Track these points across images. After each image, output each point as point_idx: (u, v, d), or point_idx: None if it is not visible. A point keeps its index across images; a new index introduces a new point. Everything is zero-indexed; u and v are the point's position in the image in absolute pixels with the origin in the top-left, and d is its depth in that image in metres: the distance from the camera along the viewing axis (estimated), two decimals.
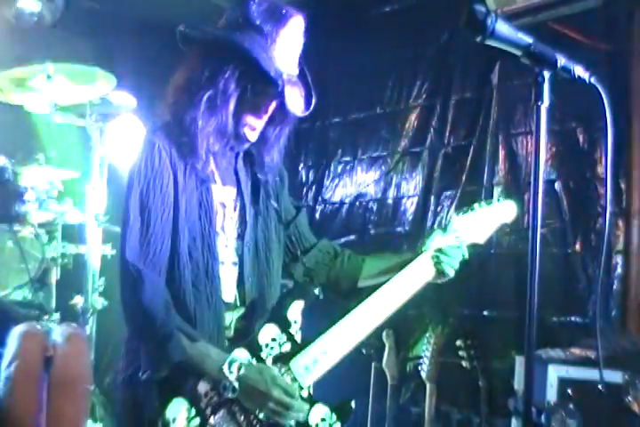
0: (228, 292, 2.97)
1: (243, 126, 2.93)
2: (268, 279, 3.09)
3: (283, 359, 2.86)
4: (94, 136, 5.47)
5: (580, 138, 5.12)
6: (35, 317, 5.14)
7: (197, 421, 2.67)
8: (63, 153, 6.02)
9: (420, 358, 5.14)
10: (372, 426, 5.23)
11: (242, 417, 2.75)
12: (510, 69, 5.43)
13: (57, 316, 5.28)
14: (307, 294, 3.03)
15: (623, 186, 4.90)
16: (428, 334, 5.10)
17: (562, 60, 2.26)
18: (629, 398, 3.79)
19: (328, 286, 3.28)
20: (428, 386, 5.00)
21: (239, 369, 2.72)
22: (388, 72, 6.25)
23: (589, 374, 3.96)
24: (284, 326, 2.90)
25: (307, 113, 3.00)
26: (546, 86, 2.25)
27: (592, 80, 2.28)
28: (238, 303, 2.99)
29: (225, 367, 2.71)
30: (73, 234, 5.62)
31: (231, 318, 2.98)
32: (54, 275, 5.51)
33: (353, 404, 2.96)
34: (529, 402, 2.27)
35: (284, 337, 2.89)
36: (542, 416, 2.28)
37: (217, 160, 3.00)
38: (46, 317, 5.20)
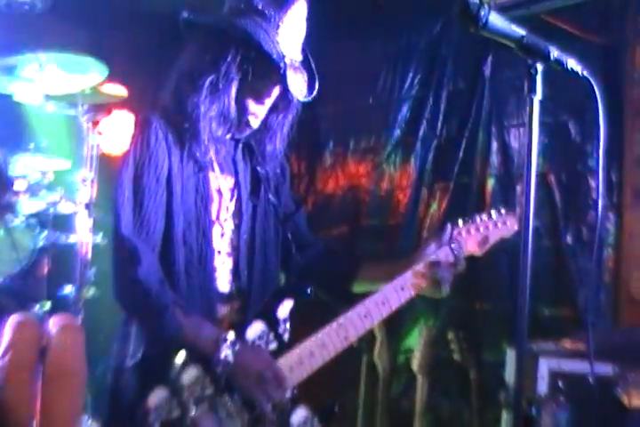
0: (224, 282, 2.96)
1: (245, 112, 2.93)
2: (265, 274, 3.08)
3: None
4: (85, 126, 5.46)
5: (573, 130, 5.12)
6: (26, 306, 5.13)
7: (178, 412, 2.64)
8: (54, 142, 6.00)
9: (411, 350, 5.15)
10: (362, 418, 5.24)
11: (224, 413, 2.72)
12: (503, 61, 5.42)
13: (48, 305, 5.27)
14: (298, 292, 2.97)
15: (615, 179, 4.90)
16: (419, 327, 5.11)
17: (555, 53, 2.25)
18: (619, 390, 3.79)
19: (320, 288, 3.19)
20: (418, 378, 5.02)
21: (234, 345, 2.70)
22: (380, 63, 6.24)
23: (580, 366, 3.96)
24: (273, 324, 2.88)
25: (309, 98, 2.99)
26: (539, 78, 2.25)
27: (585, 73, 2.28)
28: (235, 295, 2.98)
29: (221, 340, 2.70)
30: (64, 224, 5.60)
31: (226, 309, 2.96)
32: (45, 265, 5.49)
33: (337, 408, 2.94)
34: (520, 394, 2.27)
35: (272, 336, 2.87)
36: (533, 409, 2.29)
37: (217, 148, 2.99)
38: (37, 306, 5.19)
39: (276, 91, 2.94)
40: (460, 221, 3.15)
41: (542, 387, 4.09)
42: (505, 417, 4.31)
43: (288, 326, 2.92)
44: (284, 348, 2.87)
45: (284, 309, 2.91)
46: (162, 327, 2.71)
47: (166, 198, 2.84)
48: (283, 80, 2.86)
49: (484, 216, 3.20)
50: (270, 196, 3.13)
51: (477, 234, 3.17)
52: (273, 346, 2.87)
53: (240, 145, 3.10)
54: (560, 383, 4.04)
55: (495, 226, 3.21)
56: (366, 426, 5.24)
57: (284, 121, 3.08)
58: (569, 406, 3.95)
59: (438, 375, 5.18)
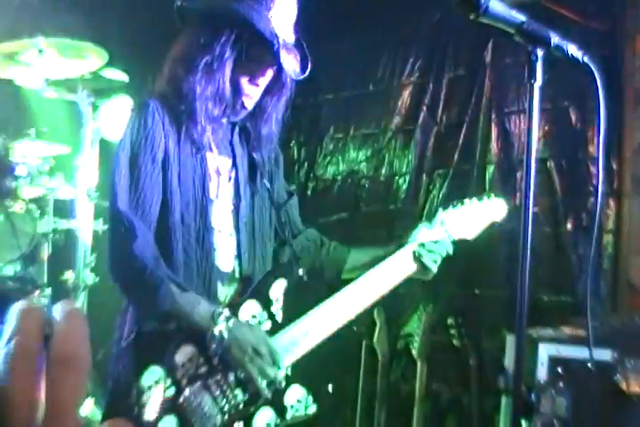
0: (226, 261, 2.97)
1: (239, 93, 2.95)
2: (264, 259, 3.10)
3: None
4: (85, 111, 5.45)
5: (573, 117, 5.11)
6: (27, 292, 5.14)
7: (172, 391, 2.65)
8: (54, 128, 6.00)
9: (411, 335, 5.16)
10: (362, 404, 5.26)
11: (217, 391, 2.73)
12: (503, 48, 5.41)
13: (48, 291, 5.28)
14: (291, 274, 3.00)
15: (615, 166, 4.89)
16: (419, 312, 5.12)
17: (555, 39, 2.25)
18: (618, 376, 3.80)
19: (312, 275, 3.22)
20: (418, 364, 5.03)
21: (228, 320, 2.72)
22: (380, 49, 6.22)
23: (579, 352, 3.97)
24: (266, 303, 2.90)
25: (302, 77, 3.00)
26: (539, 65, 2.25)
27: (585, 59, 2.28)
28: (237, 275, 3.00)
29: (216, 315, 2.71)
30: (64, 209, 5.61)
31: (227, 291, 2.97)
32: (45, 250, 5.50)
33: (330, 388, 2.96)
34: (519, 380, 2.28)
35: (265, 315, 2.89)
36: (532, 394, 2.29)
37: (214, 129, 3.00)
38: (38, 292, 5.20)
39: (269, 72, 2.96)
40: (451, 206, 3.20)
41: (542, 373, 4.10)
42: (504, 403, 4.32)
43: (281, 305, 2.94)
44: (277, 327, 2.89)
45: (277, 288, 2.93)
46: (156, 302, 2.72)
47: (163, 179, 2.86)
48: (276, 58, 2.88)
49: (474, 201, 3.25)
50: (265, 182, 3.14)
51: (468, 218, 3.21)
52: (266, 325, 2.89)
53: (236, 128, 3.11)
54: (559, 369, 4.04)
55: (485, 210, 3.26)
56: (366, 411, 5.26)
57: (278, 104, 3.09)
58: (568, 392, 3.96)
59: (438, 361, 5.19)
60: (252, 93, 2.97)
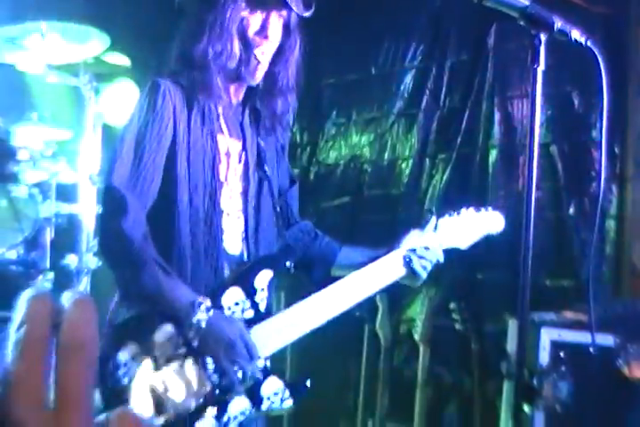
0: (234, 244, 2.97)
1: (250, 46, 2.92)
2: (270, 244, 3.09)
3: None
4: (88, 96, 5.45)
5: (576, 101, 5.11)
6: (29, 276, 5.14)
7: (148, 369, 2.65)
8: (57, 112, 6.00)
9: (414, 320, 5.16)
10: (364, 388, 5.27)
11: (192, 374, 2.72)
12: (507, 32, 5.39)
13: (51, 275, 5.28)
14: (278, 265, 2.97)
15: (618, 150, 4.89)
16: (421, 297, 5.12)
17: (558, 23, 2.25)
18: (620, 361, 3.81)
19: (301, 268, 3.21)
20: (421, 348, 5.03)
21: (208, 311, 2.70)
22: (383, 33, 6.21)
23: (581, 337, 3.97)
24: (250, 292, 2.88)
25: (308, 13, 2.98)
26: (542, 49, 2.24)
27: (588, 43, 2.27)
28: (245, 257, 2.99)
29: (196, 304, 2.69)
30: (67, 194, 5.61)
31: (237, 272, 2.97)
32: (48, 235, 5.50)
33: (308, 383, 2.94)
34: (521, 365, 2.28)
35: (248, 303, 2.87)
36: (534, 379, 2.30)
37: (224, 111, 3.00)
38: (40, 276, 5.20)
39: (275, 18, 2.94)
40: (447, 214, 3.16)
41: (543, 357, 4.10)
42: (506, 387, 4.33)
43: (266, 295, 2.92)
44: (260, 317, 2.87)
45: (263, 278, 2.91)
46: (139, 282, 2.73)
47: (171, 161, 2.86)
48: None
49: (472, 211, 3.21)
50: (267, 168, 3.13)
51: (462, 228, 3.17)
52: (249, 314, 2.87)
53: (247, 111, 3.09)
54: (561, 354, 4.05)
55: (481, 222, 3.23)
56: (368, 395, 5.27)
57: (288, 68, 3.06)
58: (570, 376, 3.96)
59: (440, 345, 5.20)
60: (263, 46, 2.94)
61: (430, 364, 5.04)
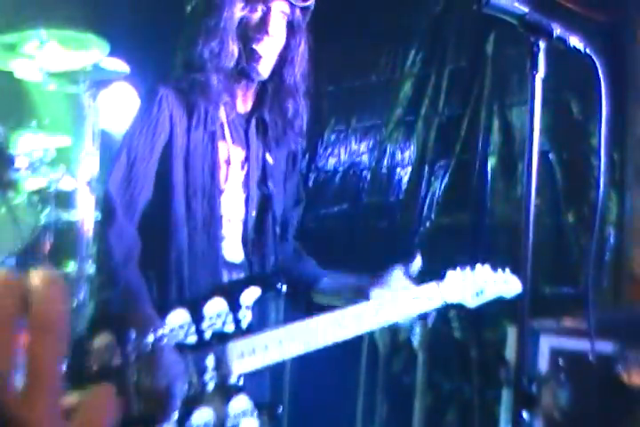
0: (234, 251, 2.97)
1: (249, 40, 2.91)
2: (269, 255, 3.07)
3: (221, 338, 2.73)
4: (87, 103, 5.45)
5: (575, 109, 5.11)
6: None
7: (119, 360, 2.55)
8: (56, 119, 6.01)
9: (412, 327, 5.15)
10: (363, 396, 5.26)
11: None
12: (506, 39, 5.40)
13: None
14: (269, 284, 2.89)
15: (617, 157, 4.89)
16: None
17: (557, 30, 2.25)
18: (620, 368, 3.81)
19: (288, 288, 3.08)
20: (419, 356, 5.03)
21: (162, 339, 2.57)
22: (382, 40, 6.22)
23: (581, 344, 3.97)
24: (234, 306, 2.79)
25: (306, 4, 2.98)
26: (541, 56, 2.25)
27: (587, 50, 2.28)
28: (246, 265, 2.99)
29: (155, 329, 2.58)
30: (66, 200, 5.61)
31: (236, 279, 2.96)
32: (47, 241, 5.50)
33: (280, 409, 2.87)
34: (520, 372, 2.28)
35: (230, 317, 2.77)
36: (533, 386, 2.29)
37: (229, 117, 2.99)
38: None
39: (277, 17, 2.93)
40: (459, 267, 3.04)
41: (543, 365, 4.10)
42: (505, 395, 4.33)
43: (250, 313, 2.81)
44: (241, 333, 2.77)
45: (249, 295, 2.82)
46: (105, 302, 2.75)
47: (164, 167, 2.87)
48: None
49: (487, 269, 3.10)
50: (275, 185, 3.12)
51: (474, 285, 3.06)
52: (229, 328, 2.77)
53: (254, 120, 3.08)
54: (560, 361, 4.05)
55: (496, 282, 3.11)
56: (367, 403, 5.26)
57: (295, 63, 3.06)
58: (569, 383, 3.96)
59: (439, 353, 5.19)
60: (265, 42, 2.93)
61: (429, 372, 5.04)
